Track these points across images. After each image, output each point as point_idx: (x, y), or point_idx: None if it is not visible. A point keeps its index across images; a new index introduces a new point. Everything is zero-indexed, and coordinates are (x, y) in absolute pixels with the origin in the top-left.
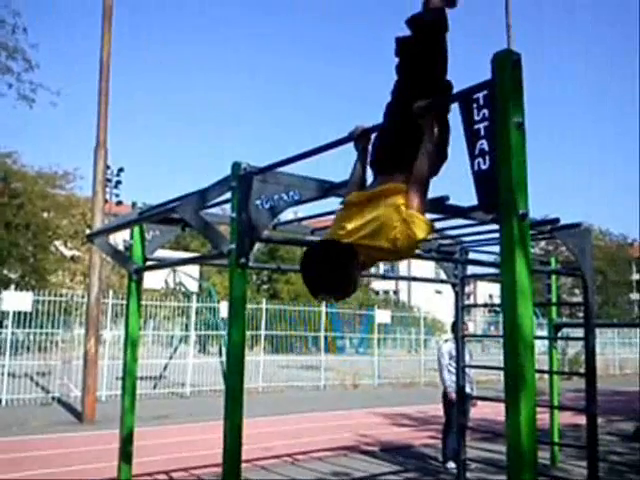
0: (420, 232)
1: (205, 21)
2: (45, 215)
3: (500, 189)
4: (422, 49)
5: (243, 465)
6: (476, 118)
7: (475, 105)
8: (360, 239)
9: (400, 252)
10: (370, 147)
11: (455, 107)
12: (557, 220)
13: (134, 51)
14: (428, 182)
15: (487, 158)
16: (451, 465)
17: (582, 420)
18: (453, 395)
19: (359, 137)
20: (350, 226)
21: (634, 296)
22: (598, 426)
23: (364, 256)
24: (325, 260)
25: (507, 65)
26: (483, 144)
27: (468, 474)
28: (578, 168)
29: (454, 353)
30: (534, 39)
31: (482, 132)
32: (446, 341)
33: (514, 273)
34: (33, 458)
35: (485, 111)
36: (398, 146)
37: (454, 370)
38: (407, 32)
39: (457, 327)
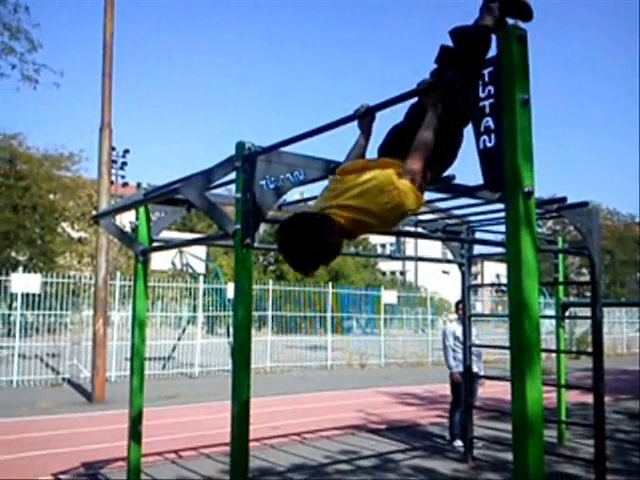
0: (410, 203)
1: (210, 5)
2: (51, 197)
3: (506, 167)
4: (462, 64)
5: (251, 444)
6: (482, 95)
7: (480, 82)
8: (348, 199)
9: (385, 218)
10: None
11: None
12: (564, 199)
13: (139, 33)
14: (425, 163)
15: (492, 136)
16: (458, 443)
17: (589, 399)
18: (457, 376)
19: (363, 115)
20: (341, 187)
21: None
22: (605, 405)
23: (347, 221)
24: (299, 240)
25: (512, 41)
26: (488, 121)
27: (475, 452)
28: (586, 147)
29: (458, 334)
30: (541, 19)
31: (487, 109)
32: (450, 321)
33: (520, 252)
34: (43, 438)
35: (490, 88)
36: (408, 137)
37: (459, 350)
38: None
39: (464, 307)
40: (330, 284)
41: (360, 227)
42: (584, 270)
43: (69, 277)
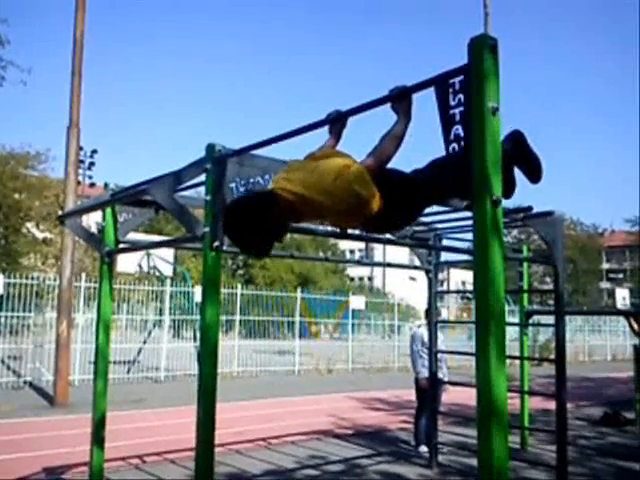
0: (359, 185)
1: (181, 6)
2: (17, 196)
3: (474, 174)
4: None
5: (217, 449)
6: (452, 103)
7: (451, 90)
8: (301, 174)
9: (334, 197)
10: None
11: (433, 103)
12: (530, 208)
13: (109, 32)
14: (380, 167)
15: (462, 143)
16: (423, 449)
17: (552, 405)
18: (424, 382)
19: (335, 120)
20: (296, 165)
21: (604, 285)
22: (567, 411)
23: (296, 197)
24: (242, 220)
25: (483, 50)
26: (458, 129)
27: (440, 457)
28: (550, 158)
29: (426, 339)
30: (511, 25)
31: (457, 117)
32: (419, 327)
33: (487, 258)
34: (3, 442)
35: (461, 96)
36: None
37: (426, 356)
38: None
39: (430, 313)
40: (299, 289)
41: (309, 205)
42: (547, 279)
43: (33, 278)
